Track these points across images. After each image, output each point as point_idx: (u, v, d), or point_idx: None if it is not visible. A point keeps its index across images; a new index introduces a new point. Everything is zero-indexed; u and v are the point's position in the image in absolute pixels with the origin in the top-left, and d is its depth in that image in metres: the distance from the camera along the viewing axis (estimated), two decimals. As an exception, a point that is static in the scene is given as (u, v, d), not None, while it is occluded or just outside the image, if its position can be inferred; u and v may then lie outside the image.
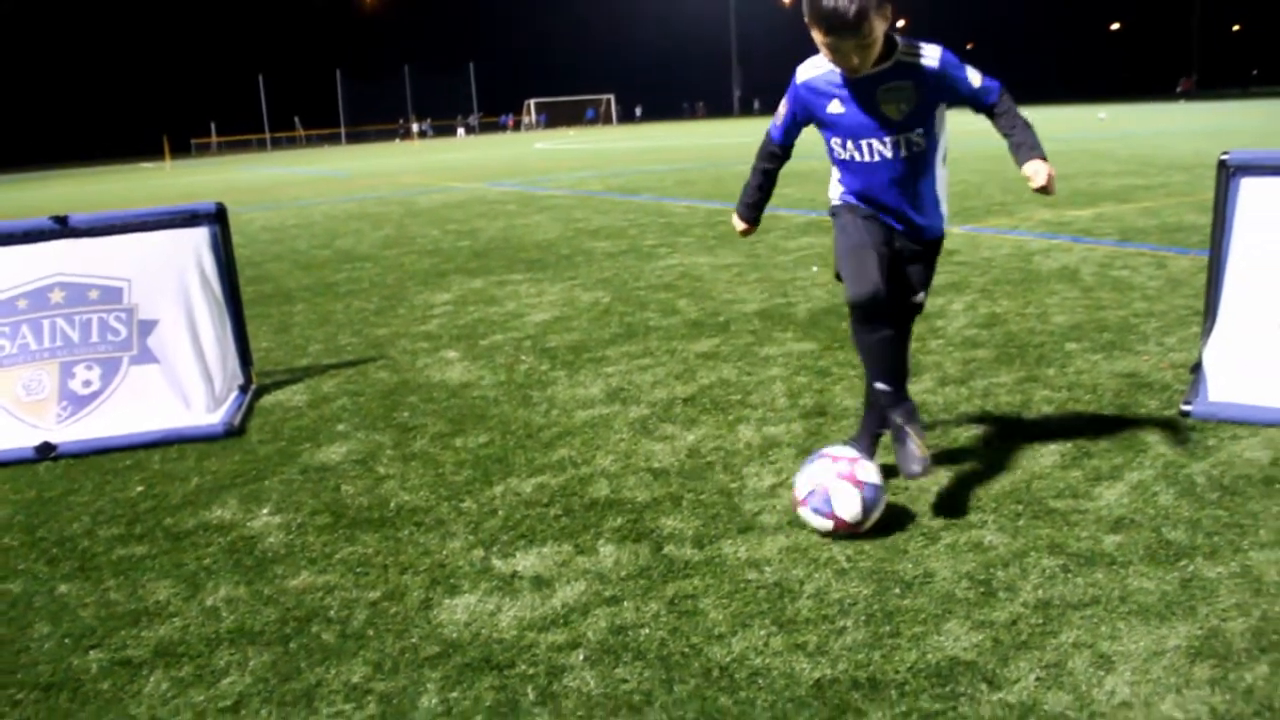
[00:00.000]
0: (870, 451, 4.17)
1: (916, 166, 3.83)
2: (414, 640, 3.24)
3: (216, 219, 6.36)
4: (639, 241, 11.94)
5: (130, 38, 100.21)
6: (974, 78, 3.77)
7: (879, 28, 3.53)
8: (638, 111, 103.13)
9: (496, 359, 6.74)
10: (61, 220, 6.21)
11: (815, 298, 8.07)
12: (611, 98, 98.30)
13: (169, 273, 6.21)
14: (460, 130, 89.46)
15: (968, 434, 4.81)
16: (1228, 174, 5.37)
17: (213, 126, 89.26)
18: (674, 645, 3.10)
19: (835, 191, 4.05)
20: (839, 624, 3.17)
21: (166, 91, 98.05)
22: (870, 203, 3.91)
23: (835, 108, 3.78)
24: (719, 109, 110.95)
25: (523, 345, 7.08)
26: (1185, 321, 6.65)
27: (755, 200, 4.21)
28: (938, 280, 8.32)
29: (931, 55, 3.69)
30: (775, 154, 4.13)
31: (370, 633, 3.31)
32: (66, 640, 3.41)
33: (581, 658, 3.07)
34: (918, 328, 6.71)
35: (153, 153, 71.90)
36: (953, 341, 6.46)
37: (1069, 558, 3.52)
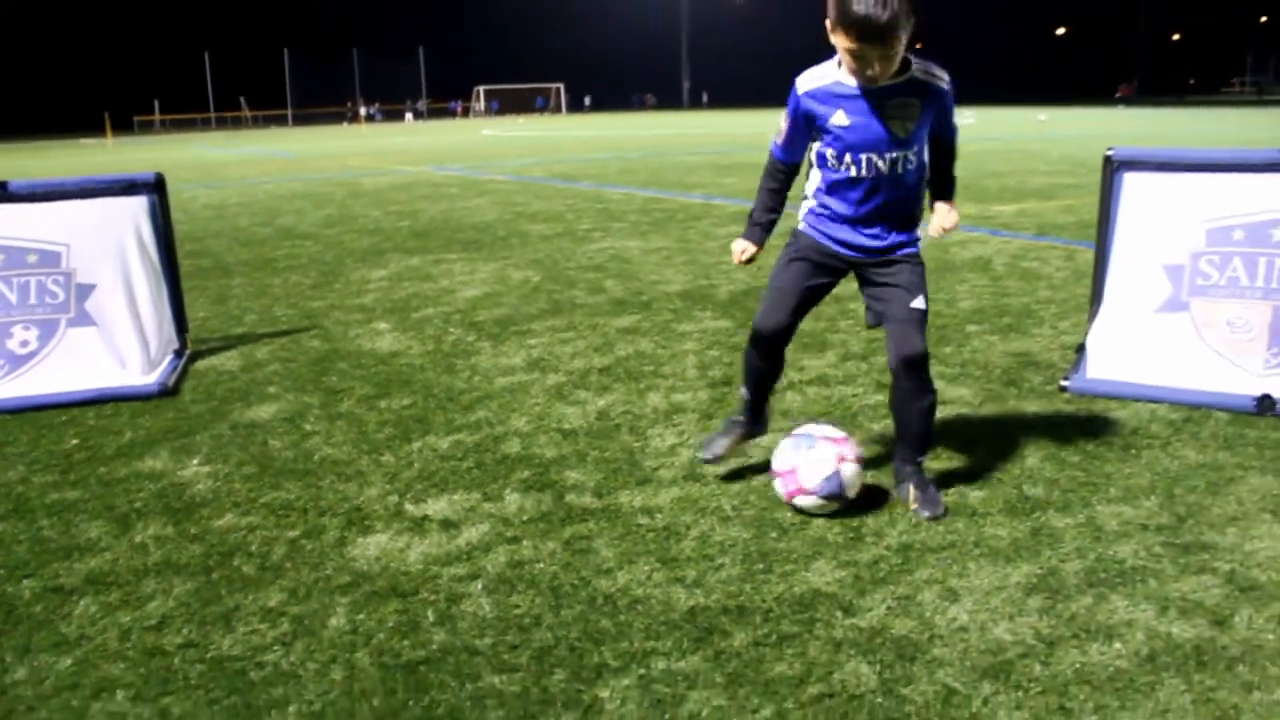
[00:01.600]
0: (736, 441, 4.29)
1: (903, 185, 3.78)
2: (327, 572, 3.52)
3: (155, 188, 6.56)
4: (574, 225, 12.22)
5: (72, 8, 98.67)
6: (954, 116, 3.88)
7: (905, 39, 3.50)
8: (586, 101, 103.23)
9: (425, 331, 7.00)
10: (2, 186, 6.38)
11: (737, 280, 8.39)
12: (561, 87, 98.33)
13: (107, 239, 6.39)
14: (409, 115, 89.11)
15: (861, 403, 5.15)
16: (1112, 169, 5.75)
17: (156, 104, 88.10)
18: (565, 578, 3.41)
19: (807, 207, 4.00)
20: (717, 562, 3.48)
21: (109, 66, 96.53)
22: (848, 220, 3.85)
23: (840, 119, 3.69)
24: (669, 101, 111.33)
25: (452, 319, 7.34)
26: (1082, 308, 7.03)
27: (764, 221, 4.04)
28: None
29: (945, 80, 3.71)
30: (781, 172, 4.00)
31: (288, 565, 3.58)
32: (2, 571, 3.64)
33: (480, 587, 3.36)
34: (828, 308, 7.09)
35: (93, 129, 70.99)
36: (860, 321, 6.80)
37: (965, 502, 3.86)
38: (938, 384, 5.31)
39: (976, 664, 2.85)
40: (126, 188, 6.56)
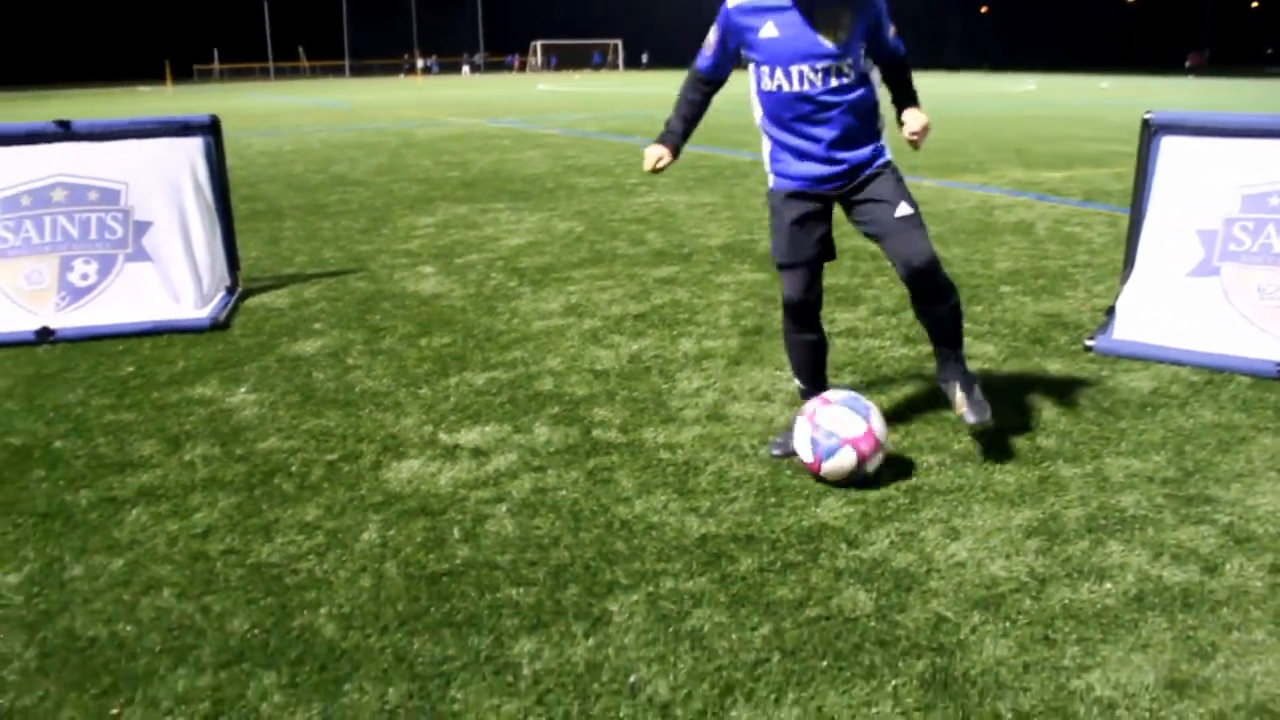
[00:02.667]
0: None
1: (845, 99, 3.70)
2: (362, 492, 3.72)
3: (210, 130, 6.77)
4: (623, 180, 12.35)
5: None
6: (892, 28, 3.79)
7: None
8: (644, 58, 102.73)
9: (468, 275, 7.18)
10: (64, 124, 6.62)
11: (778, 237, 8.49)
12: (619, 43, 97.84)
13: (164, 178, 6.62)
14: (465, 68, 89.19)
15: (887, 355, 5.27)
16: (1150, 133, 5.79)
17: (216, 53, 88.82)
18: (585, 504, 3.59)
19: (769, 164, 3.93)
20: (731, 495, 3.65)
21: (170, 15, 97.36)
22: (805, 153, 3.78)
23: (769, 30, 3.64)
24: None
25: (495, 265, 7.52)
26: (1119, 273, 7.07)
27: (679, 129, 3.96)
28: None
29: None
30: (702, 84, 3.95)
31: (325, 485, 3.79)
32: (60, 482, 3.88)
33: (504, 510, 3.55)
34: (863, 264, 7.19)
35: (154, 77, 71.76)
36: (894, 279, 6.90)
37: (948, 455, 4.00)
38: (965, 341, 5.44)
39: (969, 596, 3.00)
40: (182, 129, 6.78)
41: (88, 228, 6.39)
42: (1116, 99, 33.34)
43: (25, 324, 5.92)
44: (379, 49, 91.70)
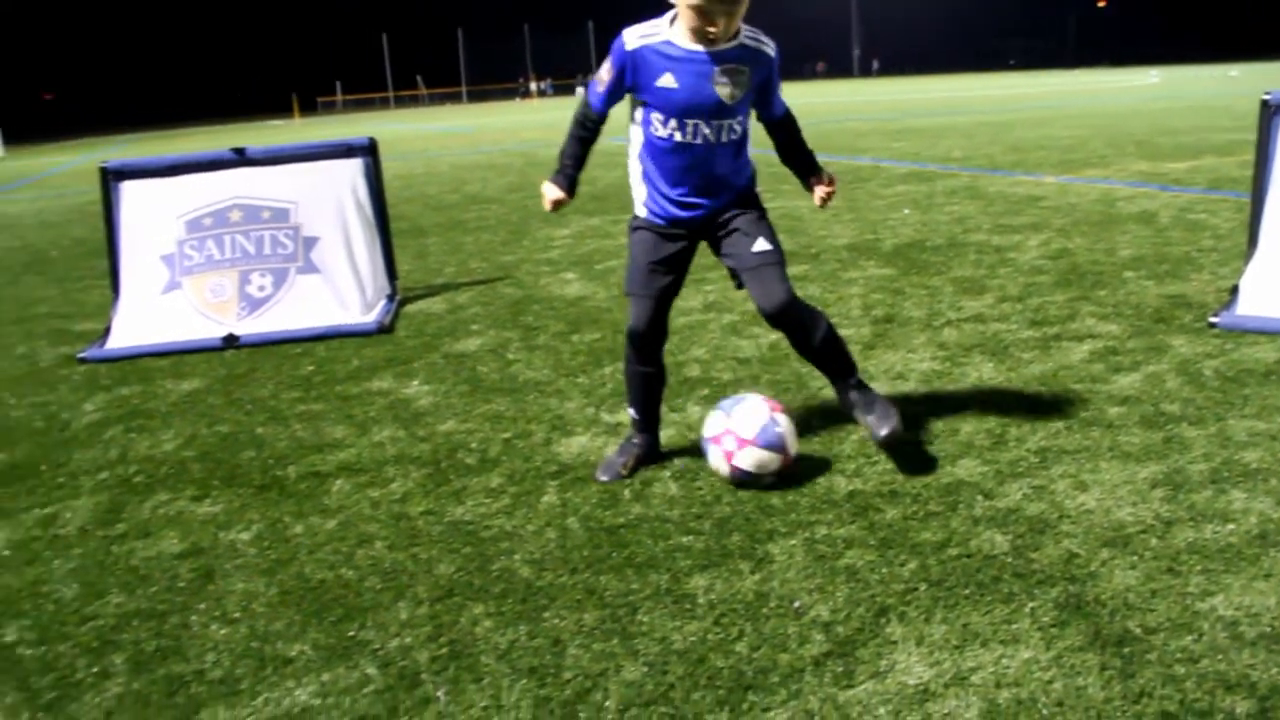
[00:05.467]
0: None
1: (727, 157, 3.73)
2: (537, 464, 4.14)
3: (369, 151, 7.33)
4: (745, 187, 12.68)
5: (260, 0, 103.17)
6: (780, 84, 3.83)
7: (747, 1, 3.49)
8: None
9: (609, 279, 7.62)
10: (240, 151, 7.24)
11: (901, 235, 8.77)
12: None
13: (329, 197, 7.20)
14: (579, 89, 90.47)
15: (1014, 336, 5.52)
16: (1270, 113, 5.97)
17: (338, 85, 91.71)
18: (741, 469, 3.95)
19: (640, 195, 3.88)
20: (874, 458, 3.97)
21: (293, 52, 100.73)
22: (677, 199, 3.77)
23: (668, 81, 3.59)
24: (839, 69, 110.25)
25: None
26: (1244, 255, 7.19)
27: (573, 170, 3.91)
28: (1017, 219, 8.99)
29: (772, 46, 3.66)
30: (593, 122, 3.88)
31: (503, 459, 4.22)
32: (270, 460, 4.39)
33: (668, 475, 3.93)
34: (988, 256, 7.42)
35: (281, 110, 74.44)
36: (1019, 269, 7.14)
37: (1075, 421, 4.26)
38: (1088, 322, 5.68)
39: (1099, 537, 3.28)
40: (345, 151, 7.35)
41: (262, 244, 6.98)
42: (1246, 87, 32.56)
43: (213, 332, 6.52)
44: (494, 74, 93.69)
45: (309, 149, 7.38)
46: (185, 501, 4.05)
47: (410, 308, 7.14)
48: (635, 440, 4.05)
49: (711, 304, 6.64)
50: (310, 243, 7.03)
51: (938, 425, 4.30)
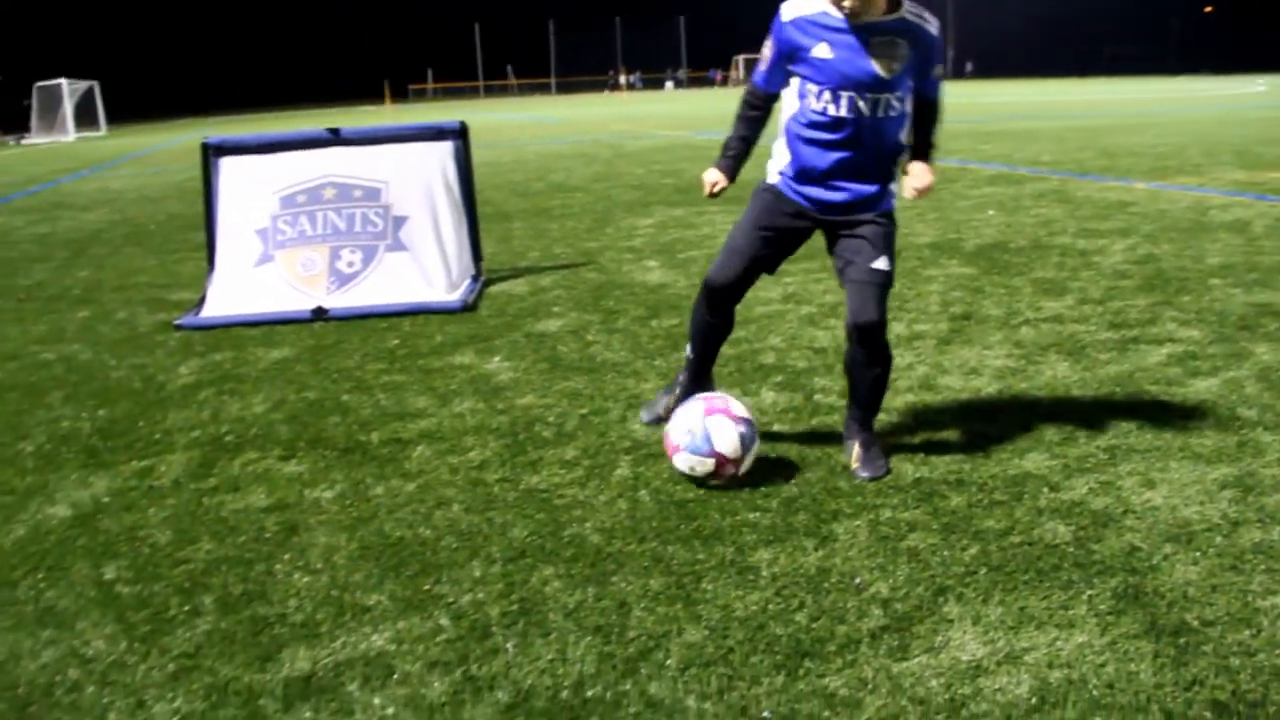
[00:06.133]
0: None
1: (883, 135, 3.65)
2: (612, 439, 4.26)
3: (460, 134, 7.50)
4: (829, 184, 12.69)
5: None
6: (938, 68, 3.74)
7: None
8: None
9: (690, 268, 7.71)
10: (334, 131, 7.45)
11: (985, 235, 8.74)
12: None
13: (419, 178, 7.38)
14: (668, 84, 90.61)
15: (1092, 338, 5.52)
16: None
17: (429, 73, 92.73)
18: (809, 453, 4.03)
19: (778, 161, 3.83)
20: (943, 448, 4.03)
21: (387, 40, 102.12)
22: (820, 175, 3.71)
23: (823, 51, 3.53)
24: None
25: (714, 259, 8.00)
26: (1334, 268, 7.09)
27: (737, 152, 3.90)
28: (1104, 224, 8.91)
29: (934, 24, 3.59)
30: (759, 100, 3.85)
31: (579, 433, 4.34)
32: (354, 425, 4.55)
33: (738, 454, 4.02)
34: (1073, 260, 7.38)
35: (374, 97, 75.56)
36: (1102, 273, 7.10)
37: (1147, 421, 4.27)
38: (1169, 327, 5.65)
39: (1163, 533, 3.30)
40: (436, 134, 7.53)
41: (353, 221, 7.18)
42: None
43: (303, 304, 6.73)
44: (584, 66, 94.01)
45: (402, 130, 7.58)
46: (273, 460, 4.23)
47: (494, 288, 7.30)
48: (681, 379, 4.19)
49: (790, 295, 6.70)
50: (399, 222, 7.21)
51: (1008, 419, 4.34)
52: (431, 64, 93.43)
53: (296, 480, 4.01)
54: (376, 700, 2.58)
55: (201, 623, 3.00)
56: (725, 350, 5.37)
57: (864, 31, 3.50)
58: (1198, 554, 3.16)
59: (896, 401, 4.58)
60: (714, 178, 3.90)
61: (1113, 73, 71.01)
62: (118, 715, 2.59)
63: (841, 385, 4.79)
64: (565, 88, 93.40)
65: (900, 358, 5.23)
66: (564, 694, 2.57)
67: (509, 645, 2.78)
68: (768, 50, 3.70)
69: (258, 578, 3.25)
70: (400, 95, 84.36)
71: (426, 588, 3.12)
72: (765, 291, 6.78)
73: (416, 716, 2.51)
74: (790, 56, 3.63)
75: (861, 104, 3.55)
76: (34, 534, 3.66)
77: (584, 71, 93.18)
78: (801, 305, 6.43)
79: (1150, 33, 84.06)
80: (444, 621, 2.92)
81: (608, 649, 2.74)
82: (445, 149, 7.53)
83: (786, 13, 3.60)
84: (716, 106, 42.19)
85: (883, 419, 4.35)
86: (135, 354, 6.03)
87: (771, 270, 3.99)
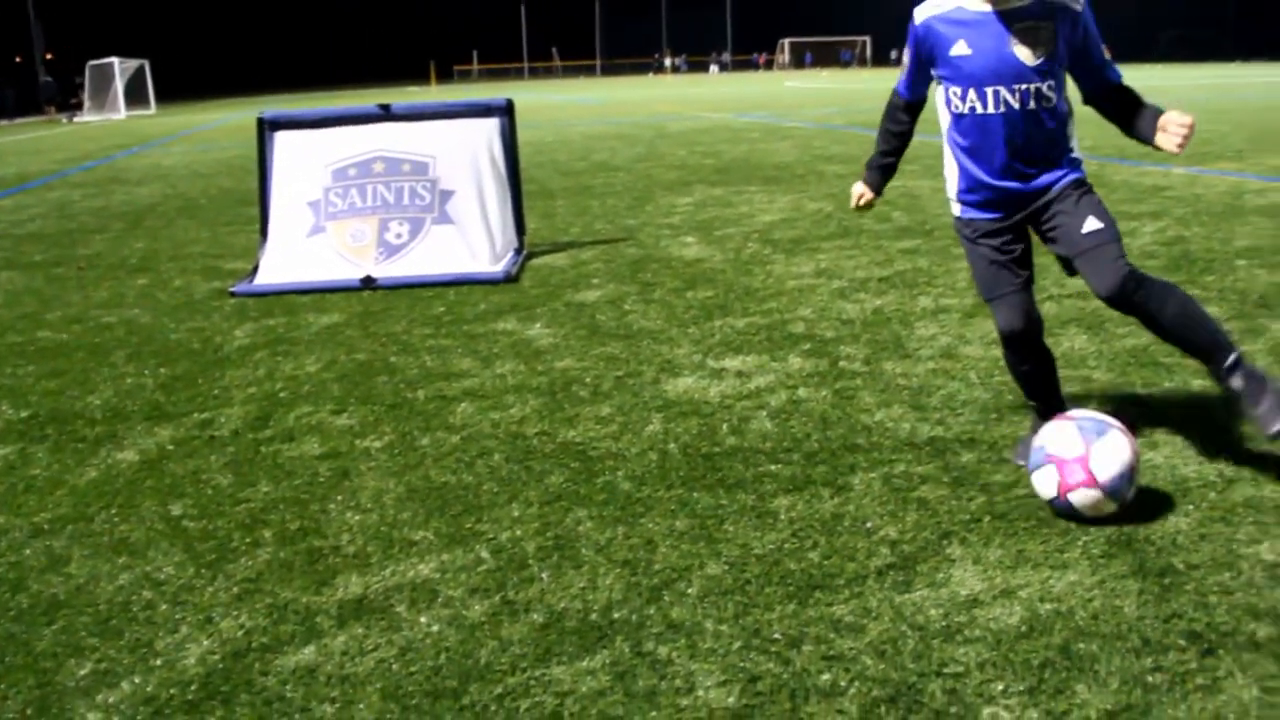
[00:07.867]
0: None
1: (1041, 128, 3.38)
2: (645, 398, 4.50)
3: (506, 112, 7.75)
4: (868, 166, 12.85)
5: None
6: (1105, 51, 3.44)
7: None
8: (894, 55, 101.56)
9: (727, 244, 7.94)
10: (385, 107, 7.72)
11: (1018, 215, 8.88)
12: (868, 40, 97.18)
13: (465, 154, 7.64)
14: (713, 67, 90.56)
15: (1111, 313, 5.66)
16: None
17: (475, 54, 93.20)
18: (832, 414, 4.25)
19: (952, 184, 3.63)
20: (959, 411, 4.24)
21: (434, 21, 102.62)
22: (990, 183, 3.47)
23: (960, 49, 3.34)
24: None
25: (750, 236, 8.24)
26: (1363, 251, 7.19)
27: (883, 164, 3.80)
28: (1137, 207, 9.03)
29: None
30: (902, 110, 3.72)
31: (614, 393, 4.59)
32: (401, 384, 4.83)
33: (764, 414, 4.26)
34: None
35: (419, 77, 76.06)
36: (1130, 254, 7.20)
37: (1157, 389, 4.46)
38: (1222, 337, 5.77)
39: (1160, 487, 3.50)
40: (483, 110, 7.79)
41: (401, 195, 7.45)
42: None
43: (352, 273, 7.01)
44: (629, 48, 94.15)
45: (450, 107, 7.84)
46: (325, 414, 4.51)
47: (535, 261, 7.55)
48: (1033, 425, 3.71)
49: (823, 270, 6.91)
50: (446, 195, 7.48)
51: (1024, 386, 4.53)
52: (477, 45, 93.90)
53: (348, 432, 4.28)
54: (423, 619, 2.84)
55: (262, 553, 3.27)
56: (757, 321, 5.61)
57: (1004, 20, 3.28)
58: (1190, 507, 3.35)
59: (918, 368, 4.79)
60: (858, 190, 3.84)
61: (1169, 59, 70.06)
62: (189, 628, 2.86)
63: (867, 353, 5.01)
64: (610, 70, 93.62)
65: (925, 329, 5.43)
66: (593, 616, 2.81)
67: (543, 575, 3.04)
68: (906, 57, 3.59)
69: (313, 515, 3.52)
70: (445, 76, 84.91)
71: (469, 526, 3.38)
72: (798, 266, 7.00)
73: (459, 633, 2.77)
74: (930, 60, 3.47)
75: (1009, 97, 3.32)
76: (106, 475, 3.96)
77: (629, 54, 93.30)
78: (833, 280, 6.63)
79: (1207, 18, 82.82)
80: (484, 554, 3.18)
81: (634, 579, 2.99)
82: (492, 125, 7.78)
83: (920, 14, 3.45)
84: (759, 89, 42.24)
85: (902, 382, 4.56)
86: (193, 318, 6.34)
87: (1032, 283, 3.63)
